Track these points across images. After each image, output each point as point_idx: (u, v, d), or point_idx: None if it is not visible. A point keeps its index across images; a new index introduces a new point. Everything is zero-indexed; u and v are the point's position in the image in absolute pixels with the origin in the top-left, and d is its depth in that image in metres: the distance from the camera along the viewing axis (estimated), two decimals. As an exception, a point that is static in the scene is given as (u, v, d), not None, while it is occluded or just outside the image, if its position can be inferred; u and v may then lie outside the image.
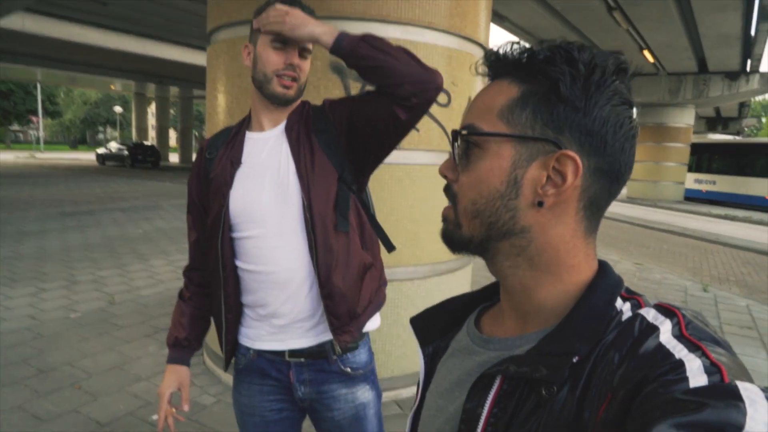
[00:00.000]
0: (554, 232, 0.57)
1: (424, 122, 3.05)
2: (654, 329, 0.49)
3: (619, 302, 0.55)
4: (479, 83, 3.47)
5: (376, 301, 1.48)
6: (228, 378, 3.41)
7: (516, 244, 0.58)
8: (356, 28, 2.90)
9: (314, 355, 1.42)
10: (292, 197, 1.34)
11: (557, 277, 0.58)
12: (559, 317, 0.57)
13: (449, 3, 3.08)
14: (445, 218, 0.63)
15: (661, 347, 0.47)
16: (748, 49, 15.11)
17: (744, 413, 0.38)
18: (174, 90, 32.56)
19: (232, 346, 1.47)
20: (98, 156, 29.87)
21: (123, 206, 11.94)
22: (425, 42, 3.02)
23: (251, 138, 1.42)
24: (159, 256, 6.92)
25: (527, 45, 0.58)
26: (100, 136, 65.91)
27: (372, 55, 1.23)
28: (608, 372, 0.48)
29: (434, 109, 3.10)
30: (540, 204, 0.56)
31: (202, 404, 3.15)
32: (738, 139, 26.43)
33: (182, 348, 1.51)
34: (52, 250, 7.06)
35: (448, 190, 0.62)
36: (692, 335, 0.48)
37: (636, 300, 0.56)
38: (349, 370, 1.44)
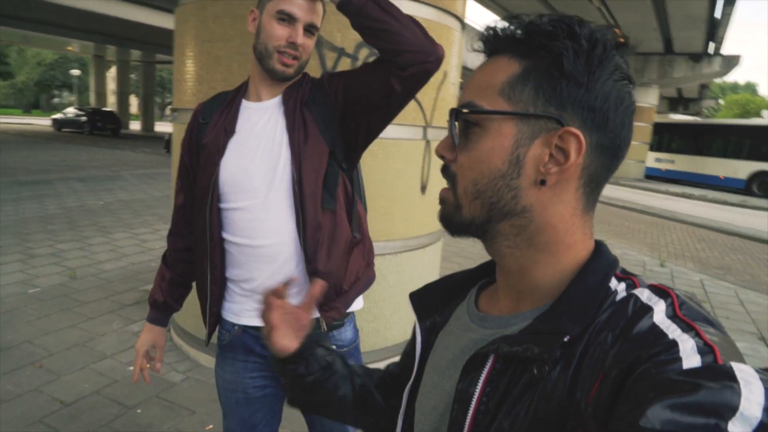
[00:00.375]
0: (554, 210, 0.56)
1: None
2: (648, 309, 0.49)
3: (614, 282, 0.55)
4: (454, 56, 3.42)
5: (365, 278, 1.48)
6: (196, 354, 3.36)
7: (516, 224, 0.57)
8: (333, -3, 2.82)
9: None
10: (282, 170, 1.33)
11: (555, 256, 0.57)
12: (553, 296, 0.57)
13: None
14: (443, 200, 0.61)
15: (654, 327, 0.47)
16: (712, 31, 15.48)
17: (739, 394, 0.38)
18: (136, 53, 31.16)
19: (215, 319, 1.46)
20: (54, 122, 28.54)
21: (82, 176, 11.47)
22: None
23: (248, 107, 1.39)
24: (122, 229, 6.70)
25: (525, 20, 0.56)
26: (56, 100, 62.88)
27: (379, 17, 1.22)
28: (601, 351, 0.48)
29: (411, 83, 3.04)
30: (543, 182, 0.55)
31: (171, 381, 3.09)
32: (697, 119, 27.23)
33: (160, 309, 1.54)
34: (7, 221, 6.73)
35: (445, 171, 0.61)
36: (686, 316, 0.47)
37: (631, 280, 0.55)
38: (334, 347, 1.42)
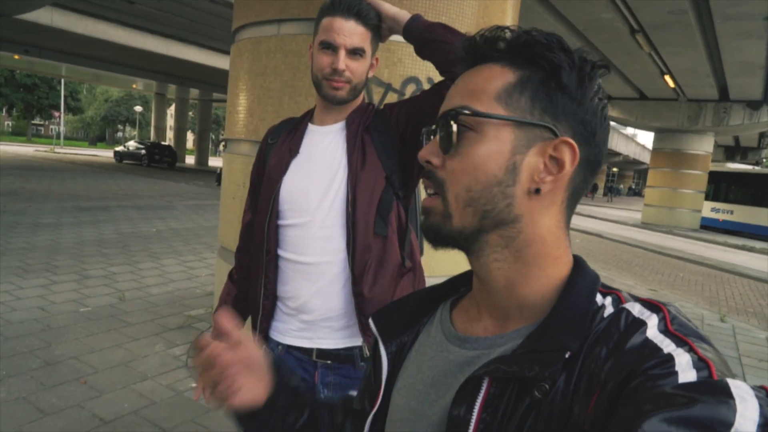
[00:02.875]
0: (543, 222, 0.56)
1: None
2: (640, 324, 0.49)
3: (599, 297, 0.55)
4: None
5: None
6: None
7: (505, 234, 0.56)
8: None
9: (341, 358, 1.41)
10: (338, 190, 1.37)
11: (543, 270, 0.57)
12: (539, 314, 0.56)
13: (476, 12, 3.06)
14: (429, 210, 0.59)
15: (648, 341, 0.47)
16: (772, 78, 14.94)
17: (734, 410, 0.38)
18: (194, 92, 32.97)
19: (264, 335, 1.48)
20: (116, 153, 30.27)
21: (138, 204, 12.02)
22: (452, 52, 3.00)
23: (312, 130, 1.46)
24: (171, 256, 6.92)
25: (516, 31, 0.57)
26: (119, 134, 66.88)
27: (440, 31, 1.33)
28: (596, 366, 0.48)
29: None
30: (537, 191, 0.55)
31: (207, 407, 3.10)
32: (757, 169, 26.08)
33: None
34: (66, 243, 7.09)
35: (430, 177, 0.59)
36: (678, 330, 0.48)
37: (615, 294, 0.55)
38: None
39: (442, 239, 0.59)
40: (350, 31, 1.32)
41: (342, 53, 1.32)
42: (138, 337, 4.05)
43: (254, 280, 1.48)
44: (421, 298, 0.72)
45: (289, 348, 1.43)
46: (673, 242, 15.39)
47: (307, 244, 1.38)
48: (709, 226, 20.74)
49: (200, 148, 34.82)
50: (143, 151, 27.81)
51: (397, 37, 3.10)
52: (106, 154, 36.84)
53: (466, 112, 0.56)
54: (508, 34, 0.57)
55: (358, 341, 1.40)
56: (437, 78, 3.14)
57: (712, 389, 0.40)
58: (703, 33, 11.29)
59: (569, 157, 0.54)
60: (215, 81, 26.29)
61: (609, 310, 0.53)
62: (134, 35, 18.62)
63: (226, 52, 21.12)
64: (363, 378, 0.77)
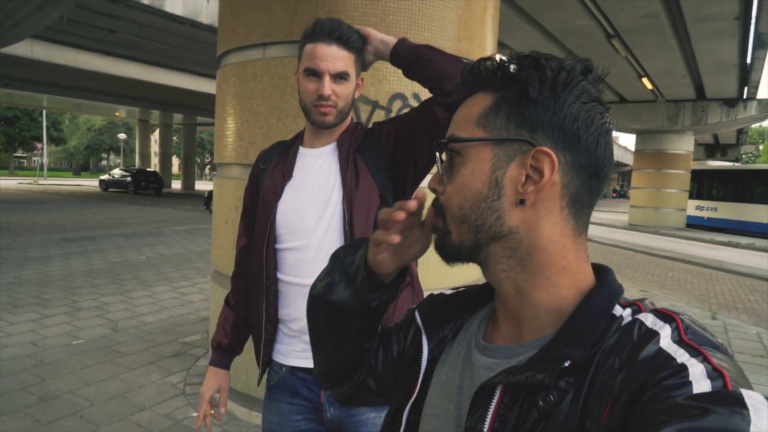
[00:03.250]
0: (541, 231, 0.57)
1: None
2: (654, 334, 0.49)
3: (618, 309, 0.55)
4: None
5: None
6: (232, 407, 3.33)
7: (506, 246, 0.59)
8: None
9: None
10: (334, 211, 1.38)
11: (550, 279, 0.58)
12: (555, 325, 0.57)
13: (457, 27, 3.12)
14: (434, 229, 0.65)
15: (661, 352, 0.47)
16: (745, 76, 15.29)
17: (748, 421, 0.38)
18: (178, 117, 32.93)
19: (268, 359, 1.48)
20: (101, 182, 30.06)
21: (125, 232, 11.92)
22: (435, 67, 3.05)
23: (304, 153, 1.47)
24: (162, 283, 6.86)
25: (499, 59, 0.61)
26: (104, 162, 66.40)
27: (426, 52, 1.34)
28: (609, 377, 0.48)
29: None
30: (522, 202, 0.57)
31: (208, 434, 3.06)
32: (738, 165, 26.54)
33: (224, 352, 1.55)
34: (55, 275, 7.00)
35: (435, 203, 0.65)
36: (692, 340, 0.48)
37: (636, 306, 0.56)
38: None
39: (447, 254, 0.64)
40: (333, 57, 1.33)
41: (326, 79, 1.33)
42: (133, 367, 4.00)
43: (255, 305, 1.47)
44: (469, 295, 0.74)
45: (293, 369, 1.44)
46: (660, 242, 15.56)
47: (306, 266, 1.38)
48: (694, 224, 21.00)
49: (186, 173, 34.69)
50: (129, 179, 27.67)
51: (381, 55, 3.13)
52: (91, 184, 36.52)
53: (444, 140, 0.62)
54: (489, 63, 0.61)
55: None
56: (423, 94, 3.18)
57: (726, 400, 0.40)
58: (676, 35, 11.55)
59: (547, 164, 0.56)
60: (199, 105, 26.30)
61: (626, 321, 0.54)
62: (116, 63, 18.60)
63: (210, 76, 21.17)
64: (395, 353, 0.79)
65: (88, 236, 10.91)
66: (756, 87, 16.87)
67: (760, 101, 18.41)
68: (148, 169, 30.29)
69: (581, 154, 0.57)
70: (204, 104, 25.32)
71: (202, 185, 38.28)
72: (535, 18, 10.87)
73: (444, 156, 0.64)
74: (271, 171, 1.47)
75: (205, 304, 5.80)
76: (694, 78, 15.61)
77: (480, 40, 3.32)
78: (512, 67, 0.59)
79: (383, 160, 1.42)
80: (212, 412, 1.51)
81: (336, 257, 0.78)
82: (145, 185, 27.56)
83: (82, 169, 64.72)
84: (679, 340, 0.48)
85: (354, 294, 0.74)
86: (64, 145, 57.57)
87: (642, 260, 11.94)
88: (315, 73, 1.34)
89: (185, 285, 6.80)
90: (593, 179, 0.58)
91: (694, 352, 0.46)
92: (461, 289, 0.76)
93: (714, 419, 0.38)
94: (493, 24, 3.50)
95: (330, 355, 0.83)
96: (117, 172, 29.48)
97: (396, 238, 0.66)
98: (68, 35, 15.76)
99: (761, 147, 63.02)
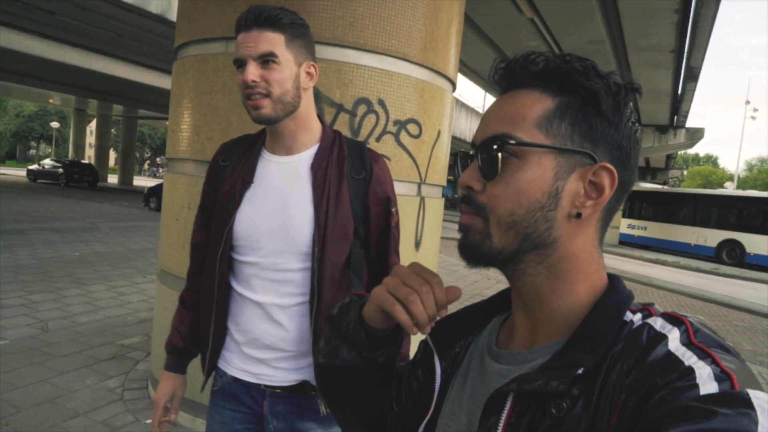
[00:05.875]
0: (578, 241, 0.58)
1: (395, 153, 3.06)
2: (662, 337, 0.49)
3: (629, 315, 0.56)
4: (447, 117, 3.53)
5: None
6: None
7: (542, 253, 0.58)
8: (334, 54, 2.92)
9: (291, 388, 1.35)
10: (298, 238, 1.28)
11: (572, 285, 0.58)
12: (568, 331, 0.57)
13: (423, 37, 3.15)
14: (468, 228, 0.60)
15: (670, 355, 0.47)
16: (676, 105, 16.38)
17: (756, 422, 0.38)
18: (117, 108, 31.38)
19: (212, 368, 1.41)
20: (29, 172, 28.14)
21: (57, 226, 11.18)
22: (400, 72, 3.06)
23: (266, 158, 1.35)
24: (98, 282, 6.48)
25: (549, 55, 0.59)
26: (32, 152, 62.33)
27: None
28: (618, 381, 0.48)
29: (406, 139, 3.12)
30: (578, 216, 0.57)
31: (148, 442, 2.90)
32: (666, 188, 28.28)
33: (180, 355, 1.46)
34: (-25, 270, 6.47)
35: (471, 202, 0.60)
36: (701, 342, 0.48)
37: (647, 310, 0.56)
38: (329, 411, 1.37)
39: (480, 258, 0.60)
40: (255, 40, 1.20)
41: (250, 64, 1.19)
42: (66, 370, 3.74)
43: (205, 313, 1.39)
44: (475, 311, 0.73)
45: (237, 378, 1.38)
46: (596, 257, 16.27)
47: (262, 284, 1.31)
48: (626, 241, 22.19)
49: (124, 167, 33.07)
50: (61, 170, 26.04)
51: (348, 58, 3.12)
52: (17, 173, 34.13)
53: (512, 141, 0.57)
54: (542, 60, 0.58)
55: (305, 377, 1.33)
56: (388, 99, 3.19)
57: (733, 401, 0.40)
58: (618, 62, 12.22)
59: (608, 182, 0.56)
60: (142, 97, 25.18)
61: (636, 325, 0.54)
62: (53, 47, 17.47)
63: (155, 68, 20.32)
64: (411, 376, 0.77)
65: (14, 229, 10.15)
66: (685, 116, 18.09)
67: (688, 129, 19.76)
68: (83, 161, 28.68)
69: (627, 174, 0.58)
70: (147, 97, 24.27)
71: (141, 181, 36.67)
72: (489, 36, 11.20)
73: (481, 152, 0.59)
74: (232, 171, 1.35)
75: (145, 305, 5.53)
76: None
77: (445, 52, 3.37)
78: (578, 71, 0.56)
79: (366, 191, 1.32)
80: (166, 418, 1.44)
81: (330, 320, 0.76)
82: (79, 178, 26.01)
83: (8, 157, 60.40)
84: (688, 343, 0.48)
85: (358, 355, 0.72)
86: (-12, 130, 53.62)
87: (579, 274, 12.45)
88: (241, 63, 1.21)
89: (123, 284, 6.45)
90: (625, 195, 0.60)
91: (703, 355, 0.46)
92: (468, 306, 0.76)
93: (721, 420, 0.38)
94: (457, 37, 3.57)
95: (352, 417, 0.80)
96: (48, 163, 27.66)
97: (428, 329, 0.63)
98: (2, 14, 14.72)
99: (685, 172, 67.54)
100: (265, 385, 1.34)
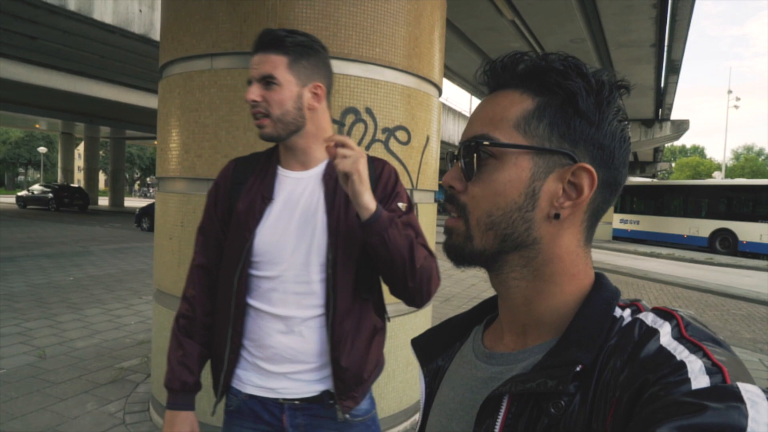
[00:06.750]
0: (562, 242, 0.57)
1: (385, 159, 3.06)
2: (654, 332, 0.49)
3: (618, 311, 0.56)
4: (435, 122, 3.55)
5: (380, 364, 1.46)
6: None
7: (525, 255, 0.58)
8: (320, 67, 2.94)
9: (310, 398, 1.35)
10: (318, 248, 1.30)
11: (560, 286, 0.58)
12: (558, 329, 0.57)
13: (407, 44, 3.17)
14: (451, 230, 0.61)
15: (662, 349, 0.47)
16: (660, 98, 16.54)
17: (745, 415, 0.38)
18: (105, 130, 31.26)
19: (227, 389, 1.38)
20: (18, 199, 28.00)
21: (49, 252, 11.10)
22: (386, 80, 3.08)
23: (282, 175, 1.37)
24: (93, 305, 6.42)
25: (534, 57, 0.58)
26: (20, 178, 61.90)
27: (384, 253, 1.24)
28: (612, 378, 0.48)
29: (395, 146, 3.14)
30: (557, 216, 0.56)
31: (152, 464, 2.87)
32: (655, 181, 28.49)
33: (191, 392, 1.37)
34: (-32, 300, 6.40)
35: (453, 201, 0.61)
36: (692, 336, 0.48)
37: (636, 306, 0.56)
38: (348, 416, 1.37)
39: (464, 258, 0.61)
40: (259, 62, 1.27)
41: (254, 85, 1.27)
42: (65, 396, 3.70)
43: (219, 333, 1.37)
44: (457, 322, 0.73)
45: (252, 395, 1.36)
46: (590, 253, 16.33)
47: (282, 297, 1.32)
48: (620, 236, 22.31)
49: (114, 189, 32.91)
50: (50, 195, 25.91)
51: (333, 68, 3.13)
52: (6, 200, 33.89)
53: (486, 142, 0.57)
54: (525, 60, 0.58)
55: (325, 386, 1.35)
56: (375, 108, 3.21)
57: (723, 395, 0.40)
58: (600, 59, 12.34)
59: (587, 182, 0.55)
60: (128, 118, 25.09)
61: (627, 321, 0.54)
62: (37, 72, 17.39)
63: (140, 88, 20.27)
64: None
65: (6, 257, 10.07)
66: (670, 109, 18.27)
67: (674, 122, 19.95)
68: (72, 185, 28.53)
69: (611, 173, 0.58)
70: (134, 117, 24.18)
71: (131, 202, 36.49)
72: (471, 39, 11.28)
73: (462, 153, 0.60)
74: (248, 190, 1.36)
75: (142, 326, 5.49)
76: (616, 99, 16.68)
77: (429, 57, 3.40)
78: (557, 71, 0.56)
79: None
80: None
81: None
82: (69, 202, 25.88)
83: (-4, 184, 59.94)
84: (679, 337, 0.48)
85: None
86: (-26, 158, 53.19)
87: (575, 271, 12.47)
88: (249, 83, 1.29)
89: (119, 307, 6.40)
90: (613, 194, 0.59)
91: (694, 348, 0.46)
92: (450, 318, 0.76)
93: (711, 415, 0.38)
94: (440, 42, 3.60)
95: None
96: (37, 188, 27.53)
97: None
98: (-17, 41, 14.67)
99: (673, 164, 68.14)
100: (284, 398, 1.34)
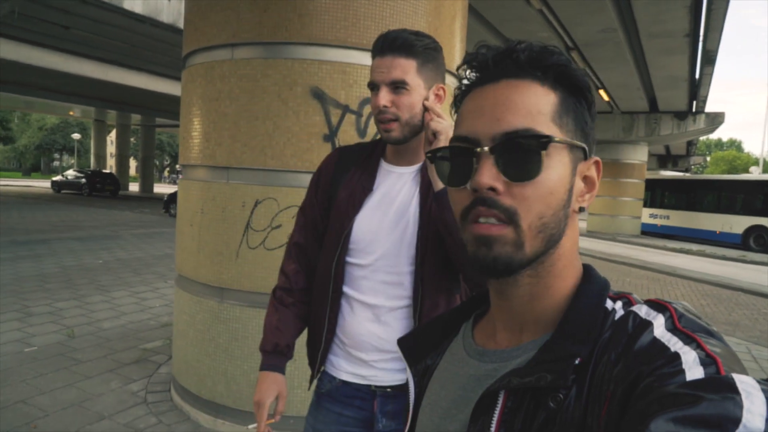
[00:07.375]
0: (571, 234, 0.58)
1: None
2: (647, 324, 0.49)
3: (609, 303, 0.55)
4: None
5: None
6: (196, 414, 3.24)
7: (551, 253, 0.57)
8: (337, 55, 2.95)
9: (401, 386, 1.37)
10: (410, 241, 1.33)
11: (565, 281, 0.58)
12: (552, 324, 0.57)
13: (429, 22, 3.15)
14: (494, 240, 0.53)
15: (655, 341, 0.47)
16: (694, 90, 16.03)
17: (741, 406, 0.38)
18: (135, 117, 31.97)
19: (322, 365, 1.44)
20: (53, 183, 28.87)
21: (80, 235, 11.46)
22: (405, 73, 3.07)
23: (385, 168, 1.41)
24: (121, 288, 6.63)
25: (539, 45, 0.57)
26: (56, 163, 63.83)
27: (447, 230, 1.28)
28: (606, 371, 0.48)
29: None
30: (581, 210, 0.57)
31: (170, 442, 2.97)
32: (688, 175, 27.73)
33: (282, 355, 1.44)
34: (4, 279, 6.67)
35: (495, 206, 0.53)
36: (686, 327, 0.48)
37: (626, 298, 0.56)
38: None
39: (512, 271, 0.55)
40: (388, 66, 1.27)
41: (382, 90, 1.27)
42: (91, 375, 3.85)
43: (317, 313, 1.43)
44: (445, 321, 0.73)
45: (345, 381, 1.41)
46: (617, 249, 16.07)
47: (372, 286, 1.35)
48: (648, 231, 21.82)
49: (144, 175, 33.68)
50: (83, 180, 26.65)
51: (352, 59, 3.14)
52: (42, 185, 34.97)
53: (544, 139, 0.53)
54: (537, 51, 0.56)
55: None
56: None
57: (718, 386, 0.40)
58: (631, 50, 12.02)
59: (597, 174, 0.58)
60: (158, 106, 25.59)
61: (619, 314, 0.54)
62: (70, 61, 17.88)
63: (169, 76, 20.63)
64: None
65: (40, 239, 10.44)
66: (704, 101, 17.70)
67: (708, 114, 19.34)
68: (105, 171, 29.29)
69: None
70: (163, 105, 24.64)
71: (160, 188, 37.30)
72: (497, 28, 11.11)
73: (502, 148, 0.54)
74: (350, 179, 1.40)
75: (167, 310, 5.65)
76: (647, 91, 16.26)
77: (449, 48, 3.37)
78: (568, 64, 0.56)
79: None
80: (273, 420, 1.37)
81: None
82: (101, 187, 26.60)
83: (33, 169, 61.91)
84: (673, 329, 0.48)
85: None
86: (12, 144, 55.04)
87: (601, 266, 12.28)
88: (374, 87, 1.29)
89: (145, 290, 6.60)
90: None
91: (688, 339, 0.46)
92: (436, 317, 0.76)
93: (706, 406, 0.38)
94: (461, 32, 3.57)
95: None
96: (71, 173, 28.35)
97: None
98: (20, 30, 15.08)
99: (708, 158, 66.15)
100: (376, 386, 1.38)
